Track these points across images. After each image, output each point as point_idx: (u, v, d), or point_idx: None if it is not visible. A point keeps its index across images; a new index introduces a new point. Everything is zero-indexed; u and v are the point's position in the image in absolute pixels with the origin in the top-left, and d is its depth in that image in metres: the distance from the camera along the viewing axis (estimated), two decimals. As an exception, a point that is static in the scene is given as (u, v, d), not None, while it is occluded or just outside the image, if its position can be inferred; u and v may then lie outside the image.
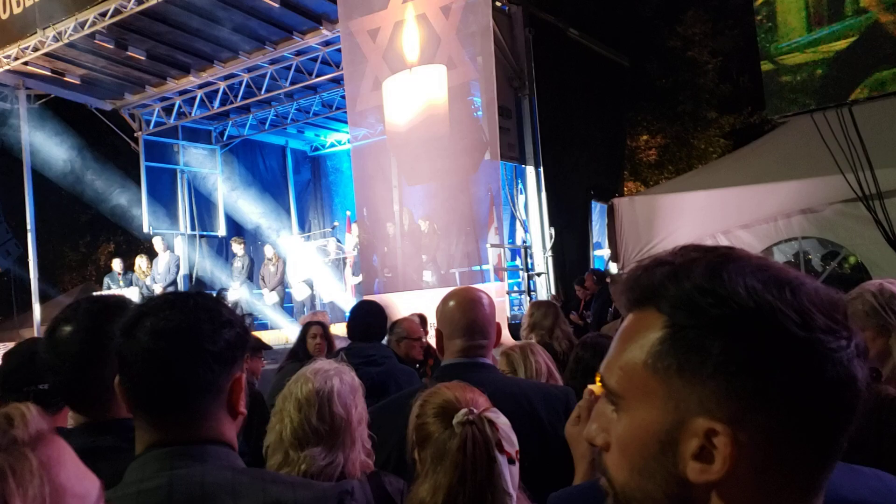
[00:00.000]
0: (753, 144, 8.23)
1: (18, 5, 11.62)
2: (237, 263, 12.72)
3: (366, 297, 8.93)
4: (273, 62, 12.65)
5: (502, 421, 1.77)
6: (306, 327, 5.22)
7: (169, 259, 12.51)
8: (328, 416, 1.94)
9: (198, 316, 1.24)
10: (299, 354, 5.03)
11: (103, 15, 10.73)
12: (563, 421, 2.18)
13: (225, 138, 15.64)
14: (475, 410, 1.73)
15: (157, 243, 12.58)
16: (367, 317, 4.39)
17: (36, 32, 11.43)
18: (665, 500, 0.71)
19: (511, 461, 1.72)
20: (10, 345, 2.83)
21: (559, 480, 1.81)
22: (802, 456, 0.68)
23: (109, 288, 12.32)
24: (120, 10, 10.56)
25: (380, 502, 1.96)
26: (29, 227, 13.10)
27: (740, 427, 0.67)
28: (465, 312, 2.30)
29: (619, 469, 0.75)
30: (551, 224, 10.17)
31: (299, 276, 12.62)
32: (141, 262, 12.66)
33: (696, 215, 7.40)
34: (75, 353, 1.53)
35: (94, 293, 12.51)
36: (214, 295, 1.33)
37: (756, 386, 0.66)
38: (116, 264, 12.60)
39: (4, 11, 11.82)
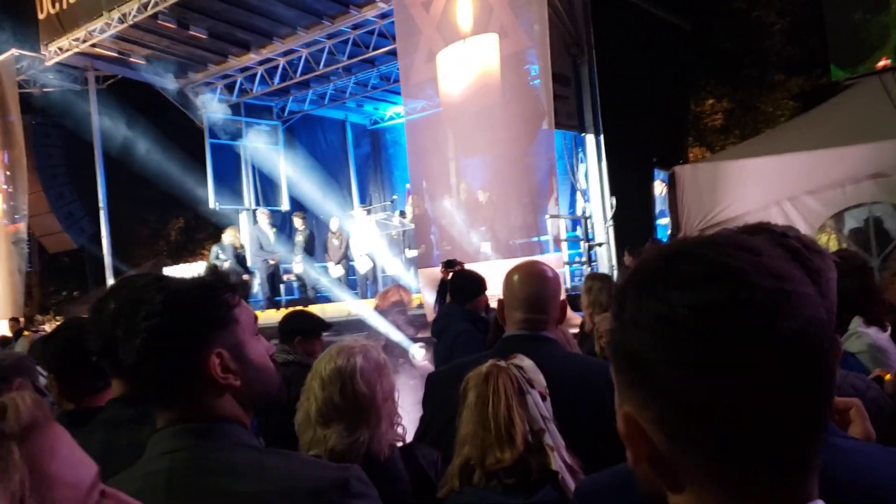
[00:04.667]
0: (820, 108, 7.89)
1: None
2: (298, 238, 12.95)
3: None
4: (330, 37, 12.71)
5: (528, 363, 1.83)
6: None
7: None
8: (351, 394, 1.97)
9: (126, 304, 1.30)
10: None
11: (165, -5, 10.95)
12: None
13: (286, 114, 15.85)
14: (502, 363, 1.80)
15: (263, 218, 13.01)
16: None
17: (102, 15, 11.74)
18: (642, 484, 0.74)
19: (543, 397, 1.80)
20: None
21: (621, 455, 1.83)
22: (709, 457, 0.67)
23: (218, 258, 12.69)
24: (181, -11, 10.76)
25: (413, 475, 2.00)
26: (101, 204, 13.58)
27: (642, 419, 0.69)
28: (526, 286, 2.31)
29: None
30: (612, 193, 10.00)
31: (361, 249, 12.75)
32: (234, 234, 12.99)
33: (761, 182, 7.15)
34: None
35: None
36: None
37: (641, 383, 0.69)
38: (228, 236, 12.86)
39: (72, -4, 12.18)
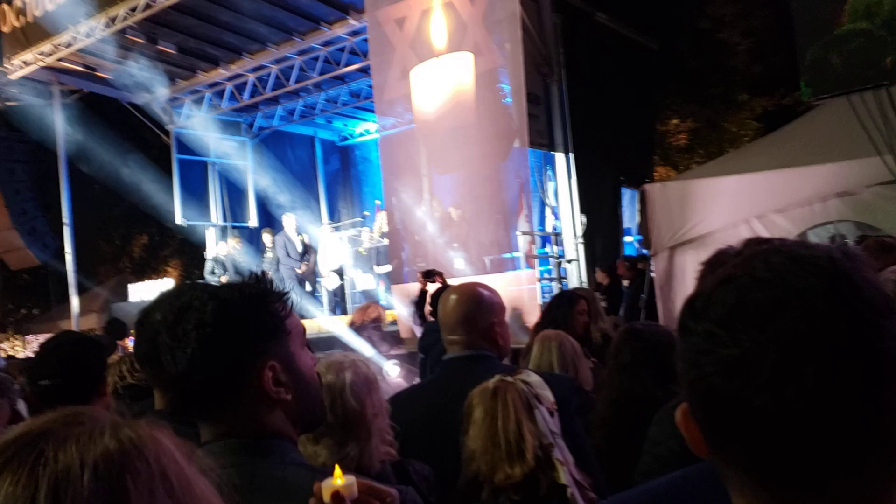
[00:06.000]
0: (787, 127, 8.07)
1: (51, 2, 11.79)
2: (268, 254, 12.83)
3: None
4: (301, 53, 12.70)
5: (534, 379, 1.83)
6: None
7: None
8: (340, 409, 1.95)
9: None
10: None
11: (133, 10, 10.84)
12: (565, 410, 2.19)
13: (255, 130, 15.75)
14: (509, 378, 1.80)
15: (291, 225, 12.72)
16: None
17: (69, 29, 11.59)
18: None
19: (550, 413, 1.79)
20: (47, 336, 2.89)
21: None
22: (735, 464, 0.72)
23: (213, 272, 12.50)
24: (150, 4, 10.66)
25: None
26: (65, 220, 13.34)
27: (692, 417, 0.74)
28: (454, 309, 2.36)
29: None
30: (582, 211, 10.10)
31: (329, 265, 12.69)
32: (235, 243, 12.96)
33: (730, 200, 7.28)
34: None
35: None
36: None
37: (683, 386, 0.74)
38: (224, 247, 12.62)
39: (37, 9, 12.00)
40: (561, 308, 4.33)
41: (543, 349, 3.16)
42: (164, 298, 1.40)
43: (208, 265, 12.76)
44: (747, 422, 0.66)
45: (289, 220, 12.64)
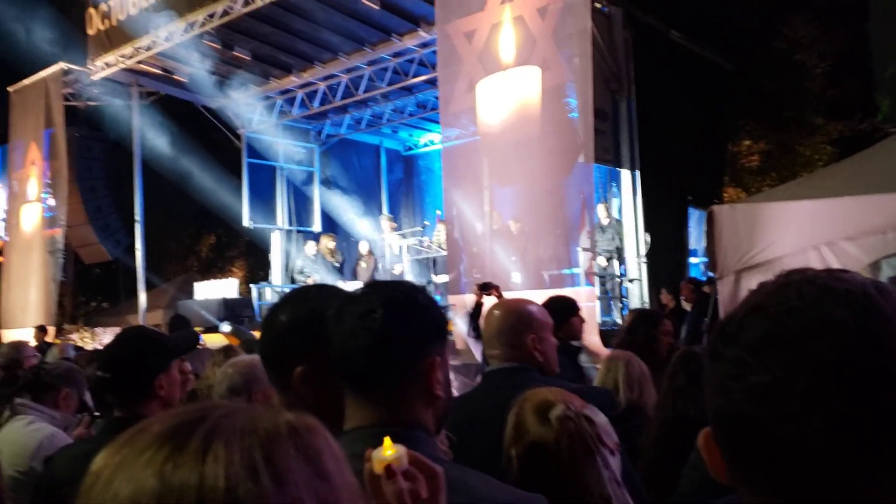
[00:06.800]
0: (864, 153, 7.78)
1: (134, 6, 12.24)
2: (329, 258, 13.01)
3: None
4: (371, 63, 12.88)
5: (600, 418, 1.79)
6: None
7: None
8: None
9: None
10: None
11: (211, 16, 11.18)
12: None
13: (323, 137, 16.02)
14: (573, 407, 1.75)
15: (387, 227, 13.11)
16: None
17: (149, 33, 12.01)
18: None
19: (612, 453, 1.75)
20: (117, 330, 2.97)
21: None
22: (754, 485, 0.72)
23: (302, 272, 12.82)
24: (227, 11, 10.98)
25: None
26: (137, 218, 13.79)
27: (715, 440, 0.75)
28: (495, 323, 2.43)
29: None
30: (646, 229, 9.94)
31: (390, 273, 12.78)
32: (328, 242, 13.27)
33: (799, 225, 7.05)
34: None
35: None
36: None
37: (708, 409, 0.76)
38: (312, 247, 13.03)
39: (122, 13, 12.47)
40: (641, 328, 4.03)
41: (609, 368, 3.12)
42: (290, 299, 1.51)
43: (298, 264, 13.08)
44: (772, 449, 0.67)
45: (385, 223, 12.85)
